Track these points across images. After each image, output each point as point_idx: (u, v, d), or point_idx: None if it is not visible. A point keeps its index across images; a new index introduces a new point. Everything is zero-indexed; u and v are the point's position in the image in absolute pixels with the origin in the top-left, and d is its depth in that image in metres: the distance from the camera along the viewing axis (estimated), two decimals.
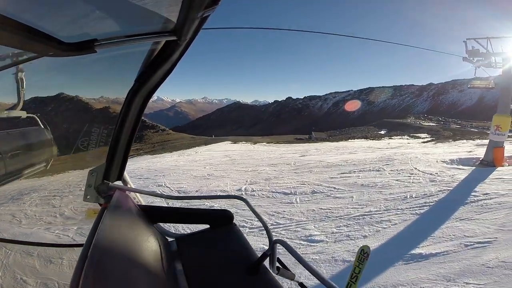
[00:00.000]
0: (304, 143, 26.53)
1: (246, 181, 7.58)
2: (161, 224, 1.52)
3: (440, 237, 3.92)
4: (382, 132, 41.99)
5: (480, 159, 9.32)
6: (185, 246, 1.39)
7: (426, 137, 27.62)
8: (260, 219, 1.31)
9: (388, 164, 8.53)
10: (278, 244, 1.08)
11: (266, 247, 1.15)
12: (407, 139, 26.96)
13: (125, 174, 1.51)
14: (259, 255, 1.20)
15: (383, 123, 52.47)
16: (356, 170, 7.97)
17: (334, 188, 6.33)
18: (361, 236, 4.10)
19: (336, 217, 4.78)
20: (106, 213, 1.06)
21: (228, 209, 1.54)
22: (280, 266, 1.11)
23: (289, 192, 6.24)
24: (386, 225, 4.39)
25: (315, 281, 0.84)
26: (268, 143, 25.63)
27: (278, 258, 1.12)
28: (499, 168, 7.80)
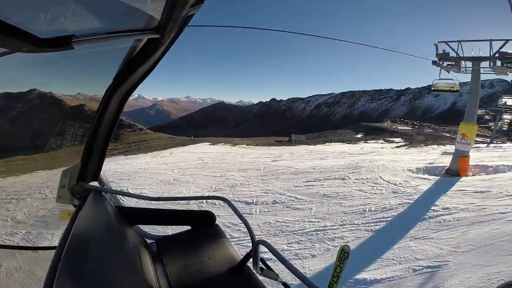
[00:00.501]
0: (283, 145, 26.66)
1: (211, 187, 7.49)
2: (140, 226, 1.48)
3: (389, 259, 3.75)
4: (359, 135, 42.97)
5: (446, 168, 9.21)
6: (166, 248, 1.35)
7: (399, 142, 28.55)
8: (243, 219, 1.31)
9: (354, 172, 8.51)
10: (261, 245, 1.08)
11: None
12: (382, 143, 27.66)
13: (102, 174, 1.45)
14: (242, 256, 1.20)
15: (360, 126, 53.83)
16: (321, 178, 7.94)
17: (296, 198, 6.30)
18: (310, 255, 3.93)
19: (290, 232, 4.71)
20: (80, 215, 1.02)
21: (210, 210, 1.53)
22: (264, 267, 1.12)
23: (251, 201, 6.20)
24: (337, 242, 4.29)
25: (299, 281, 0.85)
26: (247, 145, 25.67)
27: (261, 258, 1.13)
28: (463, 179, 7.83)
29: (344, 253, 1.20)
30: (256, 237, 1.16)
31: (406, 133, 38.52)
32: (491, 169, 9.08)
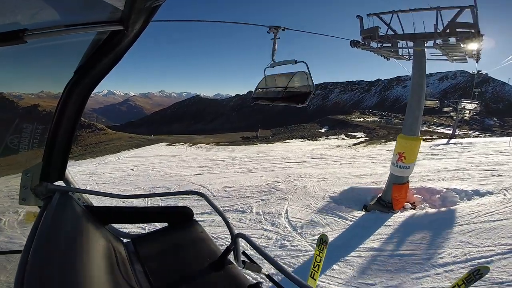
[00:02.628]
0: (242, 145, 25.56)
1: None
2: (115, 225, 1.44)
3: None
4: (323, 130, 43.42)
5: (378, 196, 6.87)
6: (144, 247, 1.33)
7: (361, 137, 28.61)
8: (220, 213, 1.33)
9: (263, 200, 7.12)
10: (240, 238, 1.09)
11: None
12: (342, 139, 27.32)
13: (67, 173, 1.39)
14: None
15: (327, 120, 54.35)
16: (222, 208, 6.63)
17: None
18: None
19: None
20: (45, 216, 0.98)
21: (187, 206, 1.53)
22: (247, 260, 1.14)
23: None
24: None
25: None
26: (207, 144, 24.98)
27: (243, 251, 1.14)
28: (395, 217, 5.62)
29: (322, 243, 1.25)
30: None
31: (369, 127, 38.21)
32: (438, 196, 6.66)
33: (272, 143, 25.71)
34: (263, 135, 43.31)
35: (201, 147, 22.80)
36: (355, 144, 22.58)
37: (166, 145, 24.05)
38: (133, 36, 1.07)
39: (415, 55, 6.35)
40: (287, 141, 28.33)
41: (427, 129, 41.91)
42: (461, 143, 18.42)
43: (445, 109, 27.49)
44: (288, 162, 13.83)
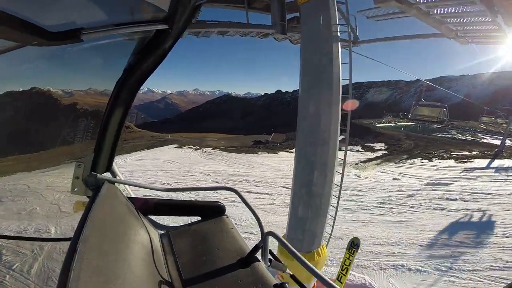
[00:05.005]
0: (245, 152, 22.14)
1: None
2: (152, 216, 1.51)
3: None
4: (340, 138, 33.27)
5: None
6: (177, 239, 1.38)
7: (380, 149, 23.11)
8: (252, 210, 1.32)
9: None
10: (270, 236, 1.09)
11: None
12: (357, 151, 22.12)
13: (114, 165, 1.48)
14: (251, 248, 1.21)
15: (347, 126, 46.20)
16: None
17: None
18: None
19: None
20: (94, 205, 1.04)
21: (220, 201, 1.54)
22: (272, 258, 1.13)
23: None
24: None
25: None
26: (214, 148, 23.29)
27: (270, 250, 1.13)
28: None
29: (354, 246, 1.19)
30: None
31: (393, 137, 30.55)
32: None
33: (275, 152, 22.27)
34: (275, 140, 40.79)
35: (204, 151, 21.33)
36: (365, 162, 17.35)
37: (175, 147, 23.13)
38: (177, 34, 1.10)
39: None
40: (293, 150, 24.72)
41: (470, 138, 32.87)
42: (508, 167, 12.80)
43: (499, 120, 20.61)
44: (249, 192, 10.21)
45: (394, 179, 12.35)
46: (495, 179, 11.49)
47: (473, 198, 9.10)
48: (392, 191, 10.13)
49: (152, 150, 21.94)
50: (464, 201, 8.96)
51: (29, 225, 6.03)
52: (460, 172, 13.19)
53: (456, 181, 11.55)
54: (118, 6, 1.08)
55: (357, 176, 13.29)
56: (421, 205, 8.58)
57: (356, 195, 9.78)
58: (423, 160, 16.67)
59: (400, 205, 8.66)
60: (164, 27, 1.04)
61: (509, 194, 9.32)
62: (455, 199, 9.08)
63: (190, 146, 24.22)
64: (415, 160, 17.07)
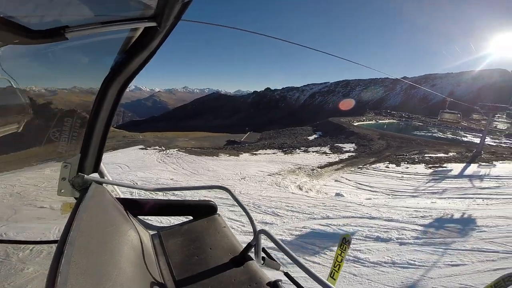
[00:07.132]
0: (208, 155, 19.61)
1: None
2: (142, 217, 1.49)
3: None
4: (312, 137, 32.34)
5: None
6: (169, 239, 1.37)
7: (349, 150, 21.38)
8: (244, 209, 1.33)
9: None
10: (262, 235, 1.09)
11: None
12: (323, 153, 20.39)
13: (102, 166, 1.45)
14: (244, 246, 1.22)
15: (324, 124, 41.38)
16: None
17: None
18: None
19: None
20: (81, 207, 1.02)
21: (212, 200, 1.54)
22: (266, 257, 1.14)
23: None
24: None
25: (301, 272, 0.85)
26: (180, 149, 21.13)
27: (263, 248, 1.14)
28: None
29: (345, 242, 1.22)
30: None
31: (365, 136, 27.49)
32: None
33: (237, 155, 19.92)
34: (249, 139, 38.87)
35: (166, 153, 19.31)
36: (323, 167, 15.23)
37: (140, 148, 21.13)
38: (166, 32, 1.09)
39: None
40: (258, 152, 21.53)
41: (451, 136, 32.76)
42: (484, 175, 11.14)
43: (475, 116, 20.82)
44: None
45: (337, 194, 9.94)
46: (464, 194, 9.19)
47: (417, 242, 5.26)
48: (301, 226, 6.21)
49: (114, 152, 19.93)
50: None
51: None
52: (427, 182, 11.35)
53: (414, 196, 9.52)
54: (104, 3, 1.06)
55: (299, 188, 10.81)
56: None
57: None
58: (390, 165, 15.08)
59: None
60: (152, 24, 1.02)
61: (477, 227, 5.77)
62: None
63: (156, 147, 22.22)
64: (381, 164, 15.39)
